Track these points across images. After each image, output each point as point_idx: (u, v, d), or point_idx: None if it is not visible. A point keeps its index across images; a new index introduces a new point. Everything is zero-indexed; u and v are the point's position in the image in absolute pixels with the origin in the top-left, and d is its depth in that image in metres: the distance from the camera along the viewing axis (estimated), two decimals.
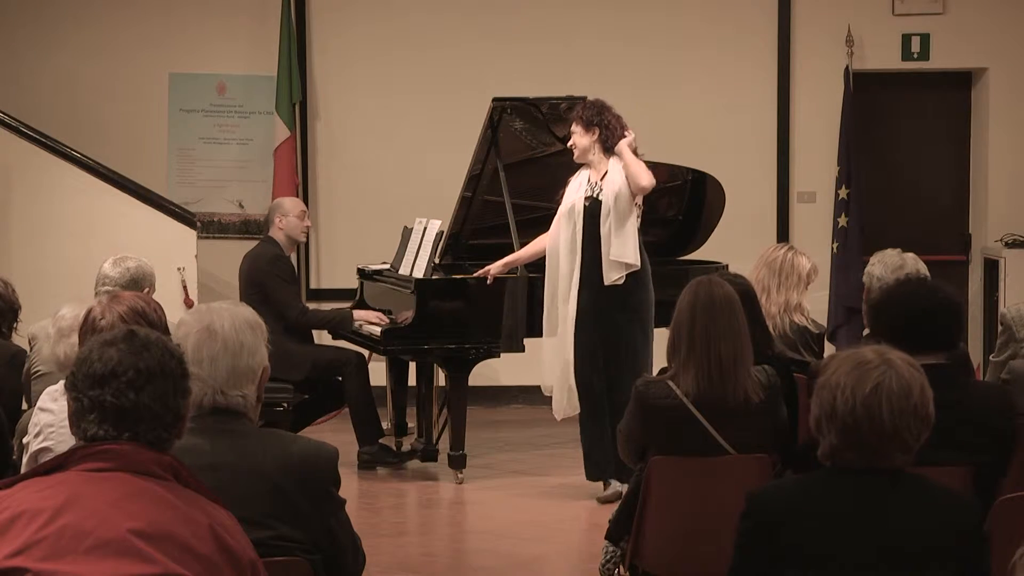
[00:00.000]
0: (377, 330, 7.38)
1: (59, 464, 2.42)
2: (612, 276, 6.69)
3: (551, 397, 6.99)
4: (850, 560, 2.71)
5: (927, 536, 2.73)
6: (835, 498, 2.77)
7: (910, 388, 2.77)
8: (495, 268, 7.15)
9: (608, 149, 6.79)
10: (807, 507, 2.77)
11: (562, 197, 6.91)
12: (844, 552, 2.71)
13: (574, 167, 7.27)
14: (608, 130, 6.78)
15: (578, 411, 6.83)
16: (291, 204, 7.87)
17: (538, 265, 7.20)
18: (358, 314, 7.67)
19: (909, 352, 2.89)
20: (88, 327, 3.65)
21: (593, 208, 6.76)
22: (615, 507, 4.65)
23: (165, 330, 3.16)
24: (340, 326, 7.73)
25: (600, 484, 6.89)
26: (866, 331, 4.82)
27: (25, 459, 3.87)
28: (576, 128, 6.84)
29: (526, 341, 7.27)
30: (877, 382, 2.75)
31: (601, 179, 6.79)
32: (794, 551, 2.73)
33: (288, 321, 7.44)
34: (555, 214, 7.25)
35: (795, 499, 2.80)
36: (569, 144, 6.89)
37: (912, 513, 2.75)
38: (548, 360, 6.97)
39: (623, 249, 6.69)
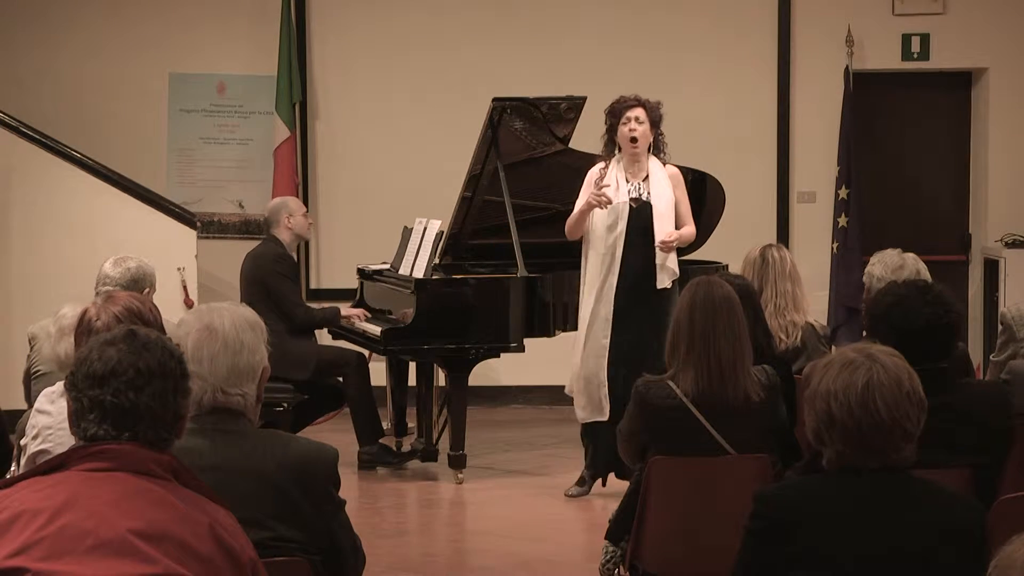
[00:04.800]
0: (377, 329, 7.38)
1: (59, 464, 2.42)
2: (665, 281, 6.58)
3: (571, 397, 6.88)
4: (858, 560, 2.71)
5: (932, 536, 2.74)
6: (844, 499, 2.77)
7: (899, 377, 2.78)
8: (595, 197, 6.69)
9: (656, 151, 6.74)
10: (817, 508, 2.78)
11: (579, 192, 6.78)
12: (852, 552, 2.72)
13: (574, 167, 7.25)
14: (660, 134, 6.74)
15: (606, 416, 6.61)
16: (296, 204, 7.90)
17: (538, 265, 7.20)
18: (345, 311, 7.75)
19: (907, 359, 2.88)
20: (83, 328, 3.64)
21: (641, 211, 6.64)
22: (615, 507, 4.65)
23: (161, 330, 3.15)
24: (330, 323, 7.80)
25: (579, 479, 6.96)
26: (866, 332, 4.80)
27: (23, 461, 3.85)
28: (643, 117, 6.67)
29: (526, 341, 7.27)
30: (867, 379, 2.76)
31: (643, 181, 6.70)
32: (803, 552, 2.73)
33: (295, 320, 7.49)
34: (557, 213, 7.24)
35: (805, 500, 2.81)
36: (630, 129, 6.65)
37: (918, 513, 2.76)
38: (575, 359, 6.81)
39: (672, 257, 6.66)
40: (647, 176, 6.70)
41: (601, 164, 6.74)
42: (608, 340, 6.63)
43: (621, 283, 6.62)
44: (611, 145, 6.76)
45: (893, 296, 3.88)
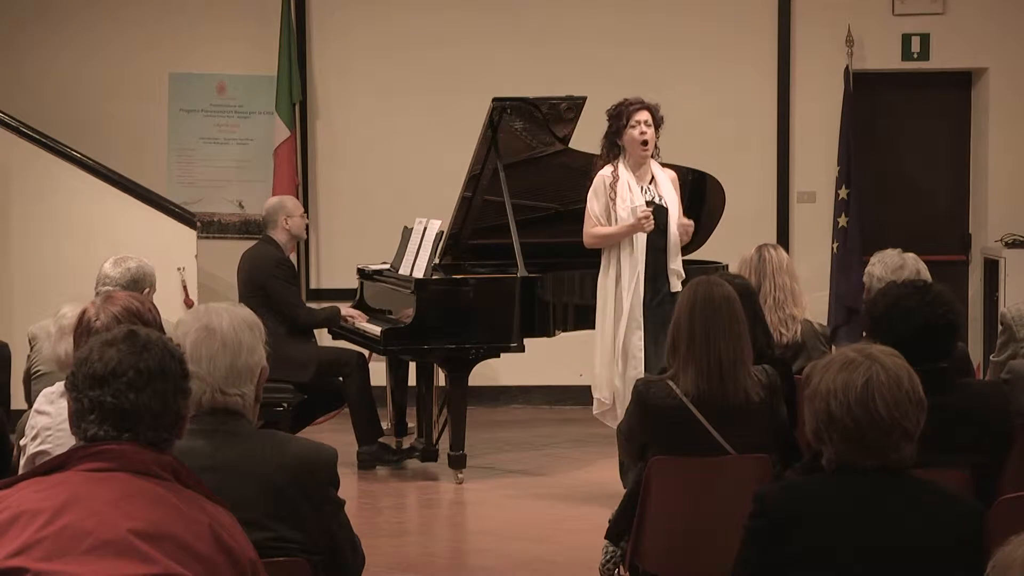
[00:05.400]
0: (377, 329, 7.39)
1: (59, 464, 2.42)
2: (676, 284, 6.51)
3: (595, 399, 6.69)
4: (858, 560, 2.72)
5: (932, 537, 2.75)
6: (844, 498, 2.78)
7: (899, 377, 2.79)
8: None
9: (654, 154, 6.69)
10: (817, 507, 2.78)
11: (582, 193, 6.69)
12: (852, 552, 2.72)
13: (574, 167, 7.25)
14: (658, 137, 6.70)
15: None
16: (294, 204, 7.90)
17: (538, 265, 7.19)
18: (345, 311, 7.77)
19: (906, 359, 2.88)
20: (83, 328, 3.64)
21: (656, 213, 6.54)
22: (615, 507, 4.65)
23: (160, 330, 3.15)
24: (329, 323, 7.82)
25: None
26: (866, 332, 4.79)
27: (23, 462, 3.85)
28: (651, 121, 6.61)
29: (526, 341, 7.26)
30: (866, 378, 2.77)
31: (649, 184, 6.64)
32: (803, 551, 2.74)
33: (297, 321, 7.51)
34: (557, 213, 7.21)
35: (805, 499, 2.81)
36: (640, 132, 6.57)
37: (918, 513, 2.77)
38: (602, 361, 6.65)
39: (679, 260, 6.64)
40: (652, 178, 6.69)
41: (609, 168, 6.64)
42: (643, 342, 6.54)
43: (648, 286, 6.55)
44: (614, 148, 6.67)
45: (892, 296, 3.87)
